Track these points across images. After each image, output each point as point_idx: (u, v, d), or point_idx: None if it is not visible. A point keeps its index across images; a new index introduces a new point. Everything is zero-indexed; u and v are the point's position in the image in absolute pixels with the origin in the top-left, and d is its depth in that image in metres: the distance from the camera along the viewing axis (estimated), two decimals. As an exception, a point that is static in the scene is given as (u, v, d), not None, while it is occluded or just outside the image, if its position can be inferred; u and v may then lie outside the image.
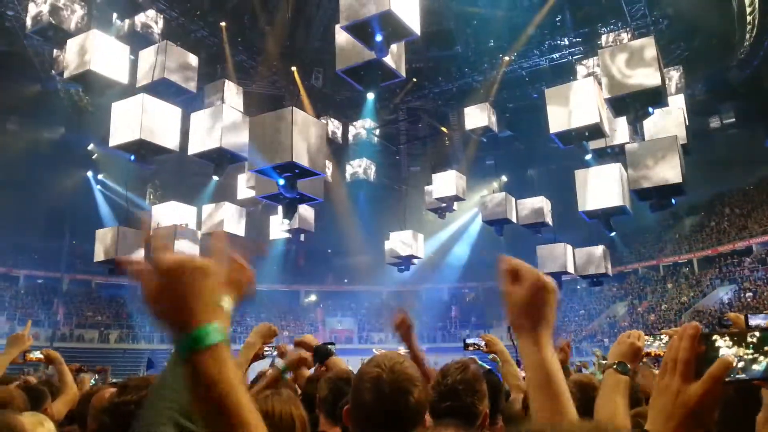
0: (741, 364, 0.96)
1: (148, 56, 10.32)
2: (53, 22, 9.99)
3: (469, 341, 4.45)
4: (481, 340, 4.12)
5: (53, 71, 11.56)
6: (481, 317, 24.27)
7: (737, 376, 0.96)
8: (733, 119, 16.12)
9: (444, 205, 15.28)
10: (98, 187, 19.54)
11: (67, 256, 20.23)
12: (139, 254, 12.81)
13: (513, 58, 15.55)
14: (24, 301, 19.86)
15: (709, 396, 0.94)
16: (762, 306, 17.86)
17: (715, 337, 0.98)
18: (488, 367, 3.61)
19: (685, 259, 20.18)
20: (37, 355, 4.36)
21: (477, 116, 14.47)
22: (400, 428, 1.59)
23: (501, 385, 3.13)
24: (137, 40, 10.72)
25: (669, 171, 9.76)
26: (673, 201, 10.30)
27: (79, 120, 14.07)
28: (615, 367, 1.62)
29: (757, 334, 0.98)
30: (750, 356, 0.97)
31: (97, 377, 8.21)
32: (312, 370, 3.73)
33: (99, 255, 12.91)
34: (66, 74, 9.90)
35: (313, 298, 24.46)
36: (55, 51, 11.31)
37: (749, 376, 0.97)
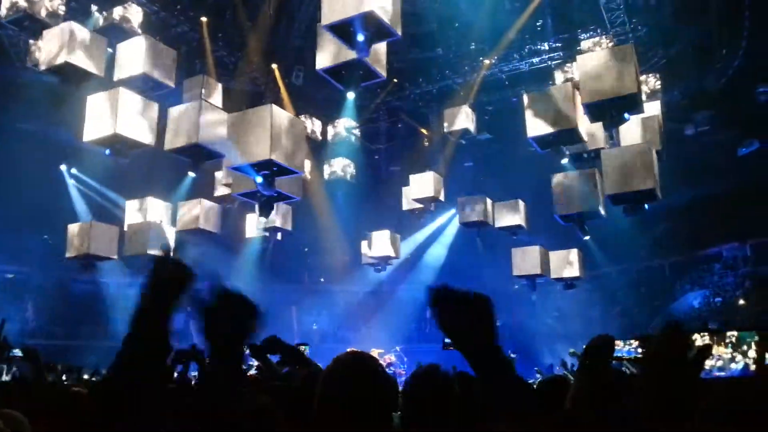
0: (719, 363, 0.99)
1: (126, 49, 10.19)
2: (29, 12, 9.81)
3: (448, 341, 4.42)
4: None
5: (29, 62, 11.35)
6: (457, 318, 24.34)
7: (717, 374, 0.99)
8: (708, 127, 16.41)
9: (422, 206, 15.33)
10: (71, 181, 19.21)
11: (38, 251, 19.86)
12: (111, 249, 12.66)
13: (493, 61, 15.65)
14: (-8, 295, 19.46)
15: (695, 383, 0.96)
16: (728, 312, 18.19)
17: (694, 336, 1.00)
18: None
19: (657, 263, 20.48)
20: (16, 353, 4.31)
21: (456, 118, 14.56)
22: (374, 415, 1.61)
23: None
24: (116, 33, 10.58)
25: (643, 177, 9.93)
26: (646, 206, 10.47)
27: (55, 112, 13.83)
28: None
29: (735, 333, 1.01)
30: (728, 355, 1.00)
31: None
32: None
33: (70, 250, 12.73)
34: (42, 66, 9.75)
35: (288, 296, 24.35)
36: (30, 41, 11.11)
37: (728, 374, 0.99)
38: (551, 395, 3.11)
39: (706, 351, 0.98)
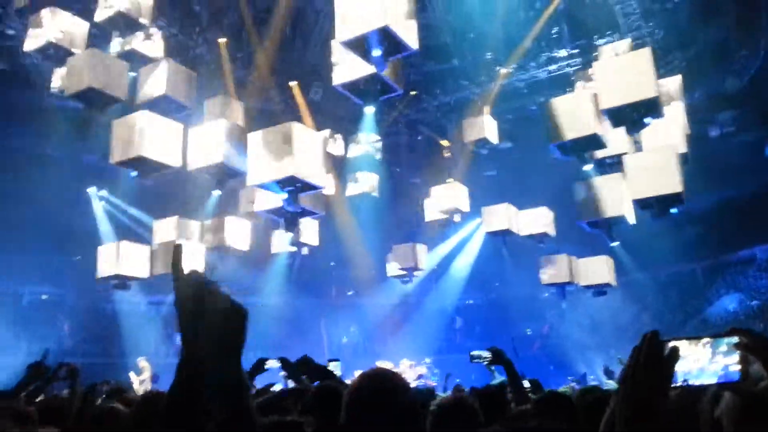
0: (697, 365, 0.98)
1: (148, 73, 10.43)
2: (53, 40, 10.09)
3: (474, 354, 4.40)
4: (486, 352, 4.13)
5: (53, 88, 11.66)
6: (485, 328, 24.19)
7: (694, 381, 0.98)
8: (732, 127, 16.14)
9: (445, 216, 15.30)
10: (101, 203, 19.61)
11: (70, 272, 20.27)
12: (142, 269, 12.88)
13: (510, 70, 15.62)
14: (28, 317, 19.89)
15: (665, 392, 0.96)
16: (766, 314, 17.77)
17: (672, 343, 1.00)
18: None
19: (688, 267, 20.11)
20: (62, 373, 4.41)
21: (476, 128, 14.52)
22: (398, 423, 1.64)
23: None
24: (137, 57, 10.82)
25: (668, 180, 9.81)
26: (673, 210, 10.32)
27: (81, 137, 14.16)
28: None
29: (711, 339, 1.00)
30: (708, 359, 0.99)
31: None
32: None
33: (102, 270, 12.98)
34: (67, 92, 10.01)
35: (316, 311, 24.45)
36: (55, 68, 11.42)
37: (706, 379, 0.99)
38: (592, 407, 3.07)
39: (674, 352, 0.99)
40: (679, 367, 1.00)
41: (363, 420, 1.68)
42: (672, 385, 0.97)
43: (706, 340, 1.02)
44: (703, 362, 1.02)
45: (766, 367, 0.98)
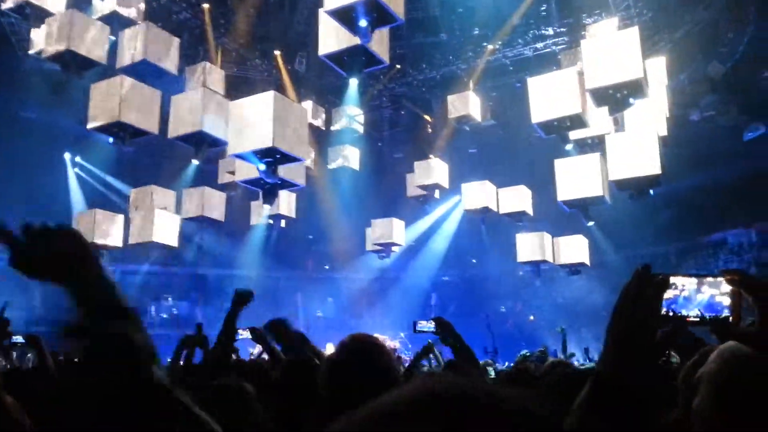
0: (684, 293, 0.99)
1: (128, 37, 10.17)
2: (31, 0, 9.78)
3: (419, 324, 4.18)
4: (430, 323, 3.97)
5: (31, 50, 11.32)
6: (461, 305, 24.42)
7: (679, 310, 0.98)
8: (713, 112, 16.31)
9: (426, 192, 15.31)
10: (75, 169, 19.24)
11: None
12: (117, 238, 12.70)
13: (497, 46, 15.54)
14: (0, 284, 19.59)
15: (652, 323, 0.97)
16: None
17: (671, 278, 1.00)
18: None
19: (662, 249, 20.46)
20: (18, 339, 4.31)
21: (460, 104, 14.48)
22: (377, 386, 1.61)
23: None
24: (118, 20, 10.53)
25: (648, 162, 9.91)
26: (651, 192, 10.44)
27: (57, 100, 13.81)
28: None
29: (701, 278, 1.01)
30: (694, 286, 0.99)
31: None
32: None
33: (76, 238, 12.79)
34: (44, 54, 9.74)
35: (293, 284, 24.45)
36: (32, 29, 11.07)
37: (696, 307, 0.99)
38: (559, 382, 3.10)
39: (664, 283, 0.99)
40: (666, 297, 1.00)
41: (347, 384, 1.66)
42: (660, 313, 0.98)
43: (695, 279, 1.02)
44: (689, 292, 1.02)
45: (757, 305, 0.97)
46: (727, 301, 1.00)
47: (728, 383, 1.06)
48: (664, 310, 0.99)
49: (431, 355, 5.94)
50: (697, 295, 1.01)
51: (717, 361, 1.10)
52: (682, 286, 1.01)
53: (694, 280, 1.02)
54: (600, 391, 0.95)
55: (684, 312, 1.00)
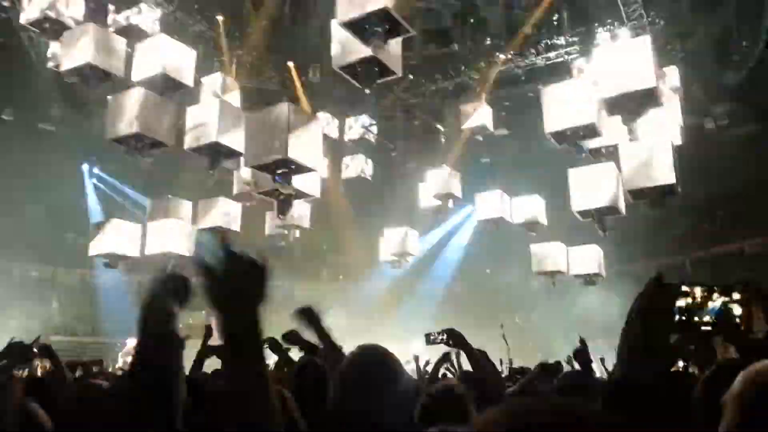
0: (695, 302, 1.00)
1: (145, 50, 10.33)
2: (50, 14, 9.97)
3: (429, 335, 4.01)
4: (443, 334, 3.89)
5: (49, 63, 11.53)
6: (475, 315, 24.29)
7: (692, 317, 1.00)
8: (727, 121, 16.22)
9: (439, 202, 15.31)
10: (93, 180, 19.49)
11: (61, 249, 20.18)
12: (134, 248, 12.83)
13: (509, 56, 15.57)
14: (18, 293, 19.83)
15: (666, 329, 0.99)
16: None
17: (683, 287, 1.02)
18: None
19: (678, 260, 20.25)
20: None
21: (473, 114, 14.51)
22: (385, 427, 1.61)
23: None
24: (134, 33, 10.71)
25: (662, 171, 9.85)
26: (665, 201, 10.37)
27: (76, 112, 14.03)
28: None
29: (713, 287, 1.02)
30: (706, 296, 1.01)
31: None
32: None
33: (94, 248, 12.93)
34: (63, 67, 9.91)
35: (307, 293, 24.47)
36: (51, 43, 11.28)
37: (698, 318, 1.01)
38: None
39: (675, 291, 1.03)
40: (680, 304, 1.03)
41: (355, 397, 1.66)
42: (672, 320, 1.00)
43: (707, 288, 1.05)
44: (700, 300, 1.04)
45: (765, 314, 1.00)
46: (737, 309, 1.02)
47: (754, 405, 1.06)
48: (676, 318, 1.01)
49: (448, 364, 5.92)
50: (709, 302, 1.03)
51: (742, 383, 1.10)
52: (694, 294, 1.03)
53: (704, 289, 1.04)
54: (616, 393, 0.98)
55: (696, 319, 1.02)
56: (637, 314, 1.03)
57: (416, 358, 8.46)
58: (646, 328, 1.01)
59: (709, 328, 1.03)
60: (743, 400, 1.08)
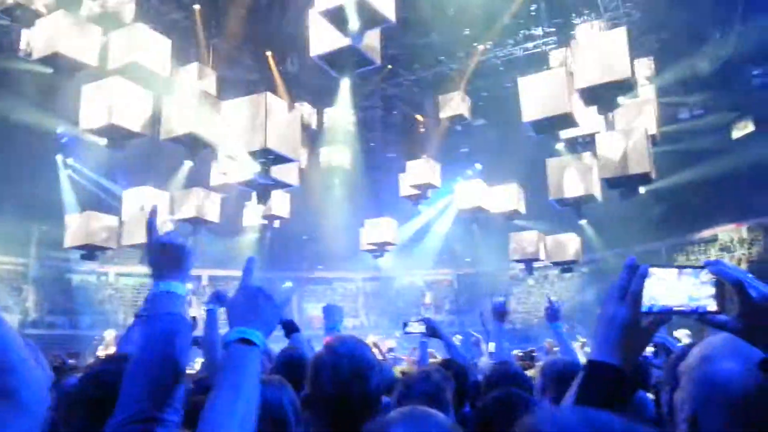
0: (664, 286, 1.04)
1: (119, 38, 10.16)
2: (21, 1, 9.76)
3: (408, 324, 4.06)
4: (421, 324, 3.92)
5: (21, 52, 11.30)
6: (455, 303, 24.52)
7: (661, 301, 1.03)
8: (702, 110, 16.46)
9: (418, 192, 15.36)
10: (68, 171, 19.20)
11: (36, 242, 19.90)
12: (110, 239, 12.70)
13: (488, 47, 15.62)
14: (-7, 287, 19.57)
15: (636, 314, 1.03)
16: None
17: (653, 270, 1.05)
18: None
19: (653, 246, 20.59)
20: None
21: (451, 104, 14.56)
22: (360, 414, 1.60)
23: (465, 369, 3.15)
24: (108, 21, 10.52)
25: (638, 160, 9.98)
26: (641, 190, 10.53)
27: (49, 102, 13.77)
28: None
29: (683, 269, 1.05)
30: (676, 278, 1.04)
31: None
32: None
33: (68, 240, 12.77)
34: (34, 56, 9.71)
35: (288, 284, 24.41)
36: (23, 30, 11.05)
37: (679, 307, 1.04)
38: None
39: (643, 273, 1.06)
40: (650, 287, 1.06)
41: (328, 389, 1.67)
42: (641, 309, 1.04)
43: (676, 270, 1.08)
44: (672, 281, 1.08)
45: (737, 294, 1.03)
46: (705, 290, 1.05)
47: (704, 377, 1.09)
48: (648, 299, 1.05)
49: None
50: (679, 284, 1.06)
51: (694, 355, 1.14)
52: (665, 276, 1.06)
53: (675, 271, 1.06)
54: (592, 375, 1.03)
55: (667, 300, 1.05)
56: (610, 297, 1.07)
57: (375, 344, 8.81)
58: (619, 312, 1.05)
59: (682, 309, 1.06)
60: (690, 373, 1.12)
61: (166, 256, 1.41)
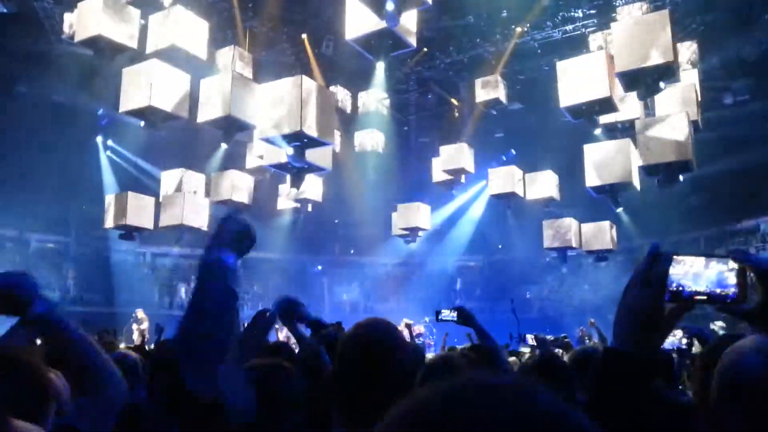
0: (692, 271, 1.01)
1: (158, 21, 10.29)
2: (64, -16, 9.94)
3: (441, 313, 4.06)
4: (453, 312, 3.93)
5: (63, 34, 11.52)
6: (485, 290, 24.41)
7: (689, 286, 1.01)
8: (747, 96, 15.96)
9: (452, 177, 15.27)
10: (107, 152, 19.61)
11: (76, 221, 20.40)
12: (148, 220, 12.95)
13: (526, 29, 15.35)
14: (34, 264, 20.13)
15: (657, 301, 1.01)
16: None
17: (678, 257, 1.03)
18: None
19: (691, 236, 20.15)
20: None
21: (487, 88, 14.39)
22: (388, 390, 1.61)
23: None
24: (149, 4, 10.66)
25: (678, 147, 9.74)
26: (681, 178, 10.29)
27: (90, 84, 14.03)
28: None
29: (709, 258, 1.03)
30: (703, 266, 1.02)
31: None
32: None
33: (108, 220, 13.07)
34: (76, 38, 9.90)
35: (319, 267, 24.64)
36: (65, 14, 11.26)
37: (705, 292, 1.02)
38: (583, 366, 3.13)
39: (668, 259, 1.04)
40: (675, 274, 1.04)
41: (354, 369, 1.68)
42: (667, 290, 1.02)
43: (704, 258, 1.06)
44: (698, 268, 1.06)
45: (760, 283, 1.01)
46: (733, 278, 1.03)
47: (734, 377, 1.08)
48: (673, 286, 1.03)
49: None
50: (705, 271, 1.04)
51: (727, 356, 1.12)
52: (690, 264, 1.04)
53: (702, 259, 1.05)
54: (612, 361, 1.01)
55: (692, 287, 1.04)
56: (633, 283, 1.05)
57: (408, 326, 8.86)
58: (641, 296, 1.02)
59: (703, 297, 1.04)
60: (720, 376, 1.11)
61: (230, 230, 1.46)
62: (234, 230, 1.45)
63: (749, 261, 1.01)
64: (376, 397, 1.60)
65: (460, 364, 2.30)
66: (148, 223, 13.08)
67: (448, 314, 3.90)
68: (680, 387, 4.34)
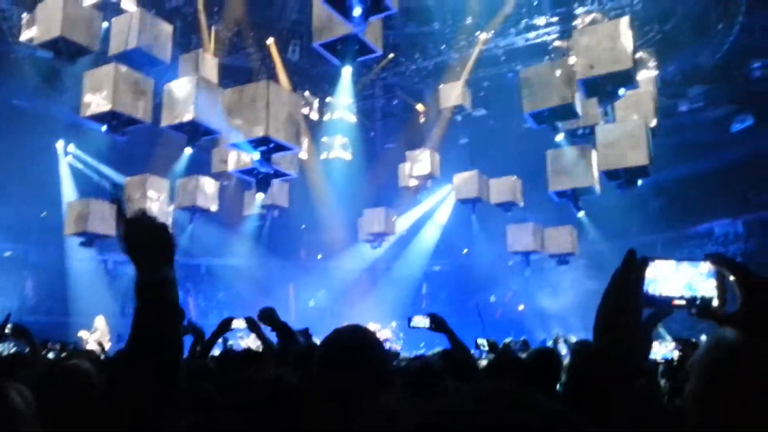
0: (662, 274, 1.04)
1: (121, 24, 10.14)
2: (22, -15, 9.72)
3: (413, 319, 4.15)
4: (426, 318, 3.93)
5: (22, 37, 11.26)
6: (451, 295, 24.56)
7: (659, 289, 1.04)
8: (702, 103, 16.46)
9: (418, 182, 15.38)
10: (68, 158, 19.16)
11: (35, 229, 19.88)
12: (109, 227, 12.69)
13: (490, 36, 15.57)
14: (-7, 274, 19.56)
15: (635, 304, 1.03)
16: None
17: (653, 261, 1.06)
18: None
19: (648, 239, 20.64)
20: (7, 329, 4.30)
21: (452, 94, 14.56)
22: (362, 394, 1.64)
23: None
24: (110, 7, 10.50)
25: (637, 152, 10.03)
26: (639, 182, 10.57)
27: (50, 88, 13.72)
28: None
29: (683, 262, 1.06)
30: (674, 269, 1.05)
31: None
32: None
33: (69, 227, 12.77)
34: (35, 40, 9.69)
35: (285, 273, 24.45)
36: (24, 15, 11.00)
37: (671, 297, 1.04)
38: (541, 368, 3.21)
39: (642, 264, 1.06)
40: (651, 278, 1.06)
41: (336, 375, 1.71)
42: (644, 294, 1.04)
43: (674, 263, 1.08)
44: (673, 273, 1.08)
45: (740, 285, 1.03)
46: (705, 282, 1.05)
47: (713, 367, 1.09)
48: (649, 291, 1.05)
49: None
50: (676, 275, 1.06)
51: (703, 348, 1.14)
52: (667, 268, 1.06)
53: (673, 263, 1.07)
54: (590, 365, 1.03)
55: (669, 292, 1.05)
56: (610, 289, 1.06)
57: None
58: (618, 302, 1.04)
59: (682, 302, 1.06)
60: (703, 363, 1.12)
61: (150, 239, 1.34)
62: (167, 238, 1.36)
63: (728, 264, 1.03)
64: (359, 395, 1.63)
65: (439, 369, 2.35)
66: (110, 230, 12.82)
67: (420, 321, 3.87)
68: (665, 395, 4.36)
